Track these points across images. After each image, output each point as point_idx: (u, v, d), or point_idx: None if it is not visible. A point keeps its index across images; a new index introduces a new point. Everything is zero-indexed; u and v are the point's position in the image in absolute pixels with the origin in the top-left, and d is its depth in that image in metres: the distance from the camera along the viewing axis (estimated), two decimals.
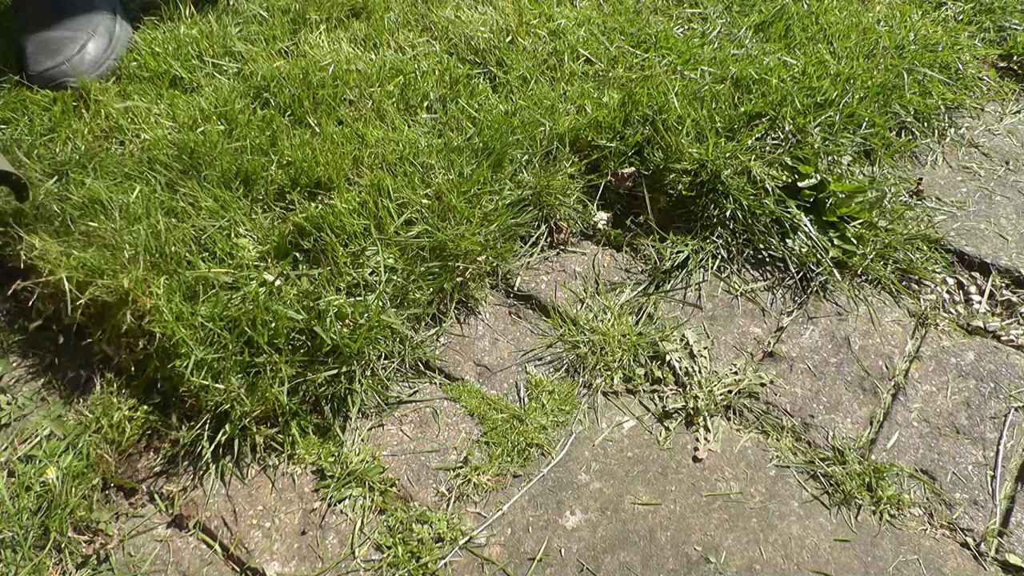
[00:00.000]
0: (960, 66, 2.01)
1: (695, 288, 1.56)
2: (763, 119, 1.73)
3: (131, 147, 1.68)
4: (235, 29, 2.06)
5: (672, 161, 1.65)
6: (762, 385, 1.39)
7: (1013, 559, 1.15)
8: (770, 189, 1.61)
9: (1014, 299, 1.53)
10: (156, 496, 1.24)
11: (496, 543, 1.18)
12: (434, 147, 1.65)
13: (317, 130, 1.72)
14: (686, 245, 1.60)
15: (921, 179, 1.77)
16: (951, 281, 1.57)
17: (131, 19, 2.06)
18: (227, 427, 1.26)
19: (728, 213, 1.60)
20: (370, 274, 1.40)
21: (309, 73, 1.85)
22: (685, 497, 1.23)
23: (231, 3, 2.18)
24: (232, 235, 1.48)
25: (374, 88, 1.83)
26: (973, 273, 1.59)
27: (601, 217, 1.68)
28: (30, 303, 1.47)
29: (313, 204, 1.53)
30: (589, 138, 1.70)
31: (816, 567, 1.15)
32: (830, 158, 1.70)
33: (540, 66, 1.91)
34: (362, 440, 1.31)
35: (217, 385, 1.26)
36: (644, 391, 1.39)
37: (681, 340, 1.46)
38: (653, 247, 1.62)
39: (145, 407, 1.32)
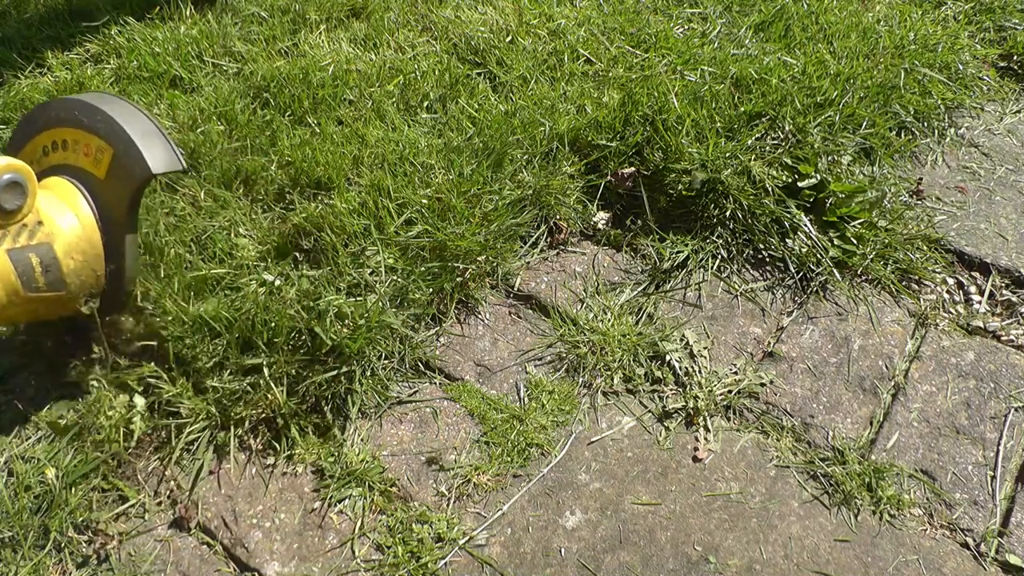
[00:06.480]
0: (960, 66, 2.01)
1: (695, 288, 1.56)
2: (763, 119, 1.73)
3: None
4: (235, 29, 2.07)
5: (672, 161, 1.64)
6: (762, 385, 1.39)
7: (1013, 559, 1.15)
8: (770, 189, 1.61)
9: (1014, 299, 1.53)
10: (156, 496, 1.24)
11: (496, 543, 1.18)
12: (434, 147, 1.65)
13: (317, 130, 1.72)
14: (686, 245, 1.60)
15: (921, 179, 1.77)
16: (951, 281, 1.57)
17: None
18: (227, 427, 1.26)
19: (728, 213, 1.60)
20: (370, 274, 1.40)
21: (309, 73, 1.85)
22: (685, 497, 1.23)
23: (231, 3, 2.18)
24: (232, 235, 1.48)
25: (374, 88, 1.83)
26: (973, 273, 1.59)
27: (601, 217, 1.68)
28: None
29: (313, 204, 1.53)
30: (589, 138, 1.70)
31: (816, 567, 1.14)
32: (830, 158, 1.70)
33: (540, 66, 1.91)
34: (362, 440, 1.31)
35: (217, 385, 1.26)
36: (644, 391, 1.38)
37: (681, 340, 1.45)
38: (653, 247, 1.62)
39: (145, 407, 1.32)
